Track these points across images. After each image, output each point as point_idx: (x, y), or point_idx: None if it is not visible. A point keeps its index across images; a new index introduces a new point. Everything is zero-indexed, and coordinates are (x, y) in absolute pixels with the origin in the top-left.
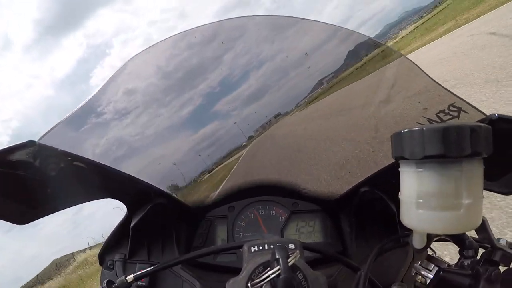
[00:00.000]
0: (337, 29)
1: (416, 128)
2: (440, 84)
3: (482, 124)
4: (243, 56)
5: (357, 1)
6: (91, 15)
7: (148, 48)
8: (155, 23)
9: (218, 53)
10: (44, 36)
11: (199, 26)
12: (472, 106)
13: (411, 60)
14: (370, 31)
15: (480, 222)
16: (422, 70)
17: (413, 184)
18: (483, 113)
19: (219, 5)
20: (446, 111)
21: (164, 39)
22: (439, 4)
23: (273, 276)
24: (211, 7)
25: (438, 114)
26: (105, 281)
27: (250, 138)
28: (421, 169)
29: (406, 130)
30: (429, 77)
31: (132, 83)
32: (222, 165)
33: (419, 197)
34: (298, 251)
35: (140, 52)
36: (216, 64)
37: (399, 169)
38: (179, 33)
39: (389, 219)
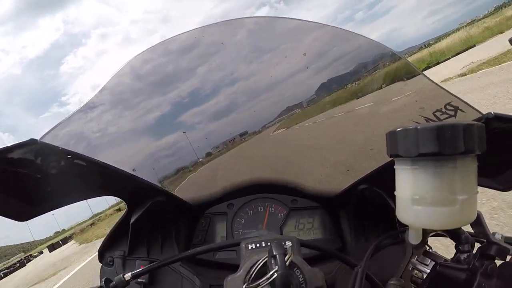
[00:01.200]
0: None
1: (411, 127)
2: (437, 84)
3: (475, 123)
4: (218, 71)
5: (337, 38)
6: (75, 1)
7: (137, 55)
8: (136, 22)
9: (194, 63)
10: (23, 11)
11: (183, 33)
12: (469, 105)
13: (409, 62)
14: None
15: (475, 217)
16: (418, 70)
17: (409, 181)
18: (479, 111)
19: (203, 16)
20: (443, 110)
21: (151, 47)
22: (425, 46)
23: (270, 273)
24: (195, 16)
25: (435, 113)
26: (103, 279)
27: (208, 155)
28: (416, 167)
29: (401, 128)
30: (426, 76)
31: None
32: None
33: (414, 193)
34: (295, 248)
35: (131, 59)
36: (190, 75)
37: (394, 167)
38: (166, 40)
39: (388, 216)
